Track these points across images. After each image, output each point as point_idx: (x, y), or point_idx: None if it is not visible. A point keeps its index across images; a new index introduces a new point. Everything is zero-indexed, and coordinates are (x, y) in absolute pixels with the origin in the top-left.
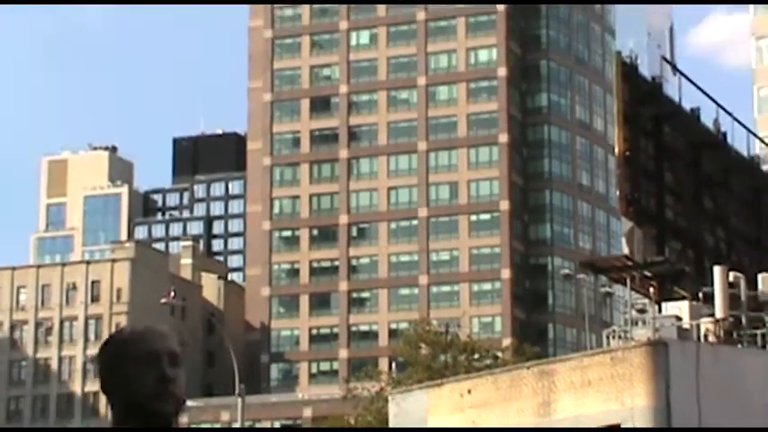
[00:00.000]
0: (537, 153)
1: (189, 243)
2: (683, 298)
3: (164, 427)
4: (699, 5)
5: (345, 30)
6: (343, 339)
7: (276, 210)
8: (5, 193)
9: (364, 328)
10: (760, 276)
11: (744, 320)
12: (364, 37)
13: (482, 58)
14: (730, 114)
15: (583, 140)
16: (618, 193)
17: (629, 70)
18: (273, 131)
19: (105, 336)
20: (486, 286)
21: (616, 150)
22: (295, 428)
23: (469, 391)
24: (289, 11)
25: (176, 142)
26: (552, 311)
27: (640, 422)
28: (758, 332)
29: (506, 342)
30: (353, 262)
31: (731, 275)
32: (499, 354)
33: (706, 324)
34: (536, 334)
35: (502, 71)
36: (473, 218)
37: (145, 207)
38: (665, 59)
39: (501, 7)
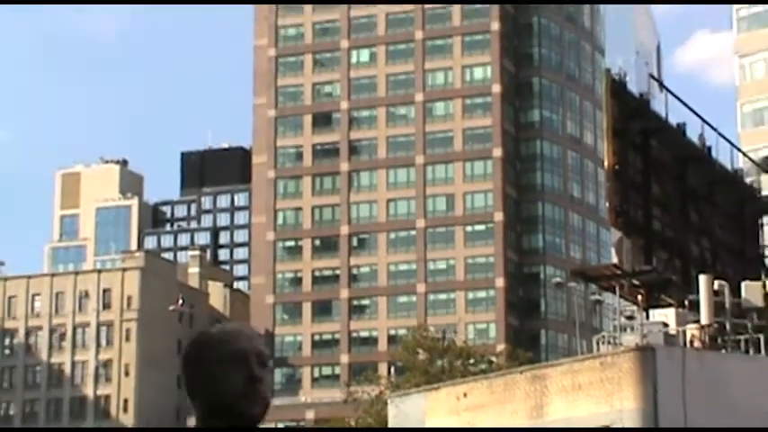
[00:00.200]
0: (530, 166)
1: (196, 253)
2: (670, 305)
3: (248, 427)
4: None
5: (346, 48)
6: (344, 345)
7: (280, 221)
8: (21, 204)
9: (364, 334)
10: (743, 285)
11: (728, 327)
12: (364, 55)
13: (477, 76)
14: (715, 129)
15: (574, 154)
16: (607, 204)
17: (617, 87)
18: (277, 146)
19: (116, 341)
20: (481, 294)
21: (605, 164)
22: (298, 429)
23: (465, 395)
24: (292, 30)
25: (184, 156)
26: (544, 318)
27: (629, 424)
28: (741, 338)
29: (500, 348)
30: (354, 271)
31: (716, 284)
32: (493, 359)
33: (692, 330)
34: (529, 340)
35: (496, 88)
36: (468, 228)
37: (154, 218)
38: (652, 77)
39: (495, 26)
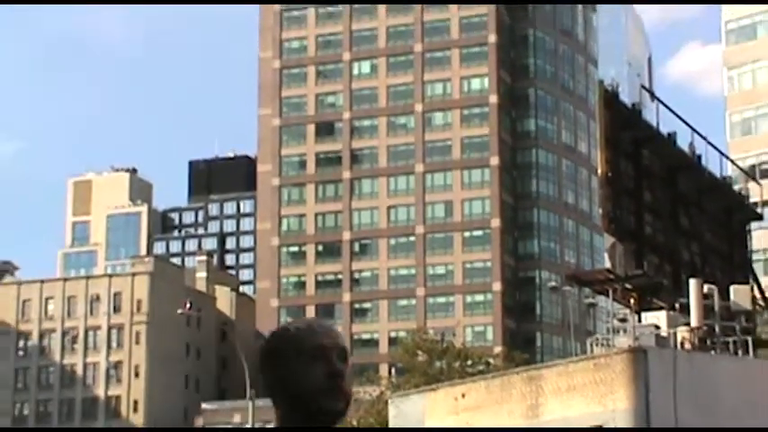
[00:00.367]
0: (525, 174)
1: (203, 258)
2: (661, 308)
3: (329, 423)
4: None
5: (348, 60)
6: (348, 348)
7: (284, 227)
8: (35, 211)
9: (366, 336)
10: (731, 288)
11: (717, 329)
12: (365, 67)
13: (475, 87)
14: (704, 138)
15: (568, 162)
16: (600, 211)
17: (610, 98)
18: (282, 154)
19: (127, 343)
20: (479, 298)
21: (599, 171)
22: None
23: (463, 395)
24: (296, 43)
25: (192, 164)
26: (540, 321)
27: (621, 424)
28: (730, 340)
29: (497, 349)
30: (356, 275)
31: (705, 287)
32: (491, 360)
33: (682, 332)
34: (525, 342)
35: (493, 98)
36: (466, 234)
37: (163, 224)
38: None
39: (492, 39)
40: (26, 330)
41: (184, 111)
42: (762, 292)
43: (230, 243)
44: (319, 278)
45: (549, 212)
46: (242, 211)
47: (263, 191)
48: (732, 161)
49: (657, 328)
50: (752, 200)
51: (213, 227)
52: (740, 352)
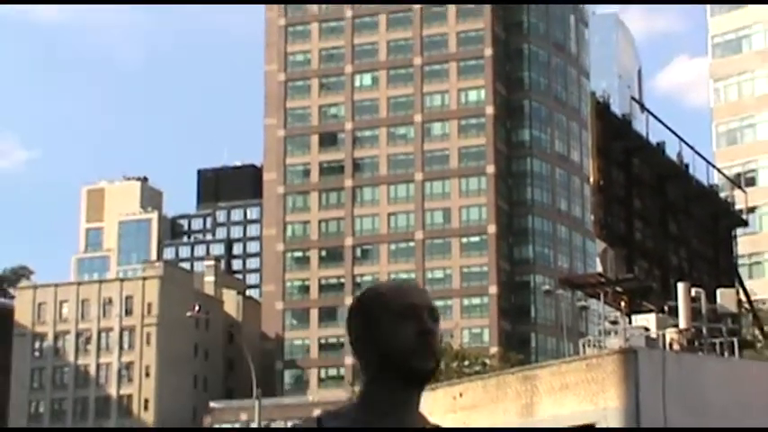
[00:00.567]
0: (520, 182)
1: (211, 263)
2: (651, 311)
3: (420, 384)
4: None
5: (350, 73)
6: (349, 348)
7: (289, 233)
8: (50, 218)
9: None
10: (718, 292)
11: (704, 331)
12: (367, 79)
13: (472, 98)
14: (692, 148)
15: (561, 171)
16: (592, 217)
17: (602, 109)
18: (287, 163)
19: (138, 345)
20: (476, 301)
21: (591, 180)
22: (304, 429)
23: (461, 395)
24: (300, 56)
25: (200, 173)
26: (534, 323)
27: (612, 422)
28: (717, 341)
29: (493, 350)
30: (358, 279)
31: (693, 291)
32: (487, 361)
33: (671, 334)
34: (520, 343)
35: (489, 110)
36: (464, 240)
37: (172, 231)
38: (633, 99)
39: (488, 53)
40: (42, 332)
41: (193, 122)
42: (747, 295)
43: (237, 248)
44: (323, 282)
45: (543, 219)
46: (248, 217)
47: (269, 198)
48: (718, 170)
49: (647, 329)
50: (737, 207)
51: (221, 233)
52: (726, 353)
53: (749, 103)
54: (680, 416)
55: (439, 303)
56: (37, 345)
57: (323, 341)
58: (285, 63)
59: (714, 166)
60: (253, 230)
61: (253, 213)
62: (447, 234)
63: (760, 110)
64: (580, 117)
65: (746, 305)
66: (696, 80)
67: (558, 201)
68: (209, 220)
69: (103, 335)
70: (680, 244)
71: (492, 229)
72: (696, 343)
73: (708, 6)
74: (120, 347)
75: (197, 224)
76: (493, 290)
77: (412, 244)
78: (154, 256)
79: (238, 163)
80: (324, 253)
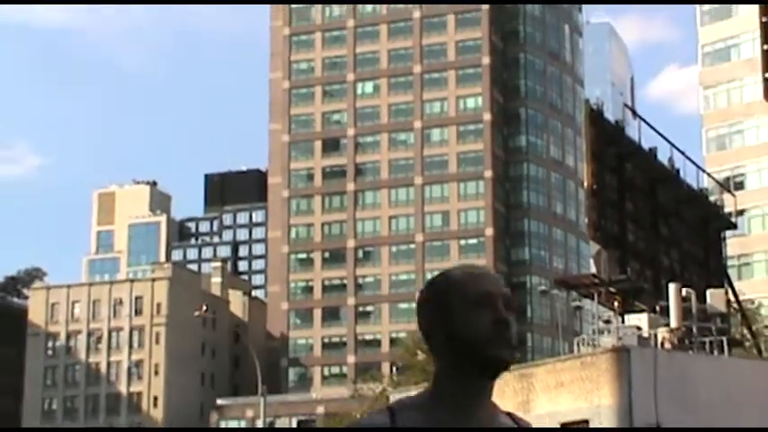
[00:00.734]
0: (517, 186)
1: (218, 264)
2: (643, 311)
3: (495, 374)
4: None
5: (352, 81)
6: (351, 347)
7: (293, 235)
8: (62, 221)
9: (369, 337)
10: (708, 292)
11: (694, 330)
12: (368, 87)
13: (470, 105)
14: (683, 153)
15: (557, 175)
16: (587, 220)
17: (595, 116)
18: (291, 168)
19: (147, 343)
20: None
21: (585, 184)
22: (306, 429)
23: None
24: (304, 64)
25: (207, 177)
26: (531, 322)
27: (606, 418)
28: (706, 340)
29: None
30: (360, 280)
31: (684, 291)
32: None
33: (662, 333)
34: (516, 342)
35: (487, 116)
36: (462, 242)
37: (180, 233)
38: (626, 106)
39: (486, 61)
40: (54, 332)
41: (201, 128)
42: (735, 295)
43: (243, 250)
44: (326, 283)
45: (538, 222)
46: (254, 220)
47: (274, 202)
48: (708, 174)
49: (639, 329)
50: (726, 210)
51: (227, 235)
52: (716, 351)
53: (738, 110)
54: (671, 412)
55: None
56: (50, 344)
57: (326, 340)
58: (289, 71)
59: (704, 171)
60: (258, 233)
61: (258, 216)
62: (446, 236)
63: (748, 116)
64: (575, 123)
65: (735, 305)
66: (686, 88)
67: (553, 204)
68: (215, 222)
69: (114, 334)
70: (671, 246)
71: (489, 231)
72: (687, 342)
73: (698, 16)
74: (130, 346)
75: (204, 227)
76: None
77: (412, 246)
78: (162, 257)
79: (244, 168)
80: (327, 255)
